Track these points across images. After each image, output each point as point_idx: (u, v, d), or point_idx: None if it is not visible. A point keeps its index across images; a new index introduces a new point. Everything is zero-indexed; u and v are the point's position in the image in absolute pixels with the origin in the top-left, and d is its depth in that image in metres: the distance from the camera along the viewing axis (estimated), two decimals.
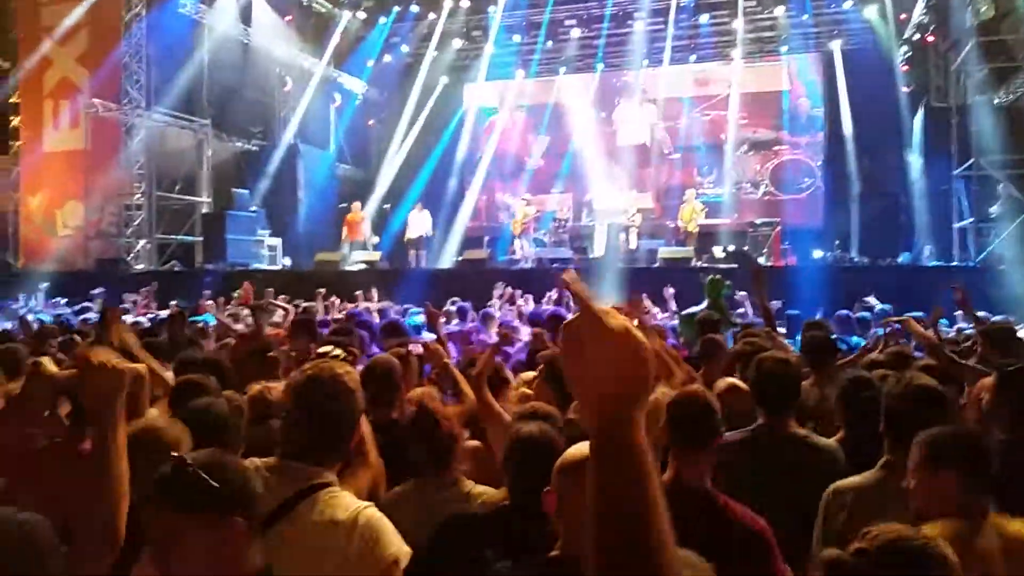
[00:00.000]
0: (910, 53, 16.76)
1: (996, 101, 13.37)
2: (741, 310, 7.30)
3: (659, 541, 1.06)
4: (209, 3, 16.08)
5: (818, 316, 6.98)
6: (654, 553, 1.06)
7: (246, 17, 17.03)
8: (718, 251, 13.97)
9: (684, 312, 6.77)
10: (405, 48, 20.16)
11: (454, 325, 7.29)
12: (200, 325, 7.45)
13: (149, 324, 7.72)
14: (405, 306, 9.14)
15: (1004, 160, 12.24)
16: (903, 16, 16.70)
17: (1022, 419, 2.94)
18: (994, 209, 12.26)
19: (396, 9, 19.09)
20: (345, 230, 16.05)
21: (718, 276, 5.88)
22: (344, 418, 2.29)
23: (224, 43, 16.64)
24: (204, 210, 15.85)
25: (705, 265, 12.78)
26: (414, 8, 18.83)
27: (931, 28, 15.78)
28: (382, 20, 19.35)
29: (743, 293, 7.57)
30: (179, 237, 15.58)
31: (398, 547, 2.11)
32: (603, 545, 1.08)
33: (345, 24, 19.53)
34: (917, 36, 16.24)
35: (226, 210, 14.79)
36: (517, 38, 19.46)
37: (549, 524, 2.00)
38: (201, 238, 15.43)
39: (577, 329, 1.12)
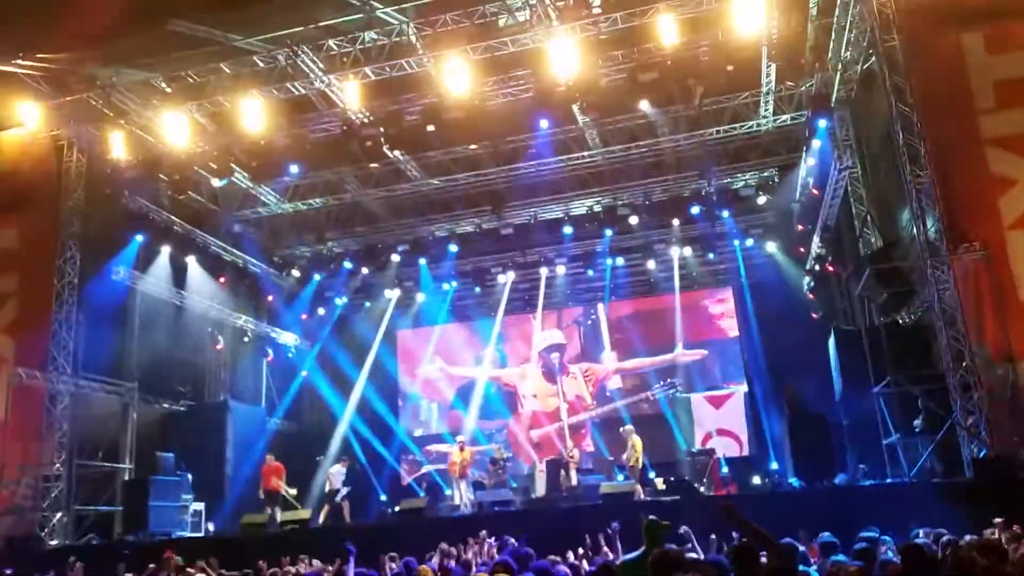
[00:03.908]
0: (813, 283, 17.93)
1: (900, 322, 14.17)
2: (689, 547, 6.92)
3: None
4: (143, 270, 16.38)
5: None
6: None
7: (180, 281, 17.36)
8: (660, 483, 13.82)
9: (624, 559, 6.10)
10: (339, 301, 20.67)
11: None
12: None
13: None
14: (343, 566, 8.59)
15: (916, 376, 12.72)
16: (802, 249, 18.07)
17: None
18: (917, 423, 12.56)
19: (331, 266, 19.78)
20: (262, 481, 15.32)
21: (654, 519, 5.49)
22: None
23: (156, 306, 16.80)
24: (126, 477, 15.12)
25: (649, 499, 12.59)
26: (347, 264, 19.56)
27: (829, 259, 17.01)
28: (316, 276, 19.97)
29: (686, 528, 7.23)
30: (98, 508, 14.67)
31: None
32: None
33: (279, 282, 20.08)
34: (818, 267, 17.43)
35: (149, 476, 14.15)
36: (447, 286, 20.24)
37: None
38: (121, 507, 14.56)
39: None
